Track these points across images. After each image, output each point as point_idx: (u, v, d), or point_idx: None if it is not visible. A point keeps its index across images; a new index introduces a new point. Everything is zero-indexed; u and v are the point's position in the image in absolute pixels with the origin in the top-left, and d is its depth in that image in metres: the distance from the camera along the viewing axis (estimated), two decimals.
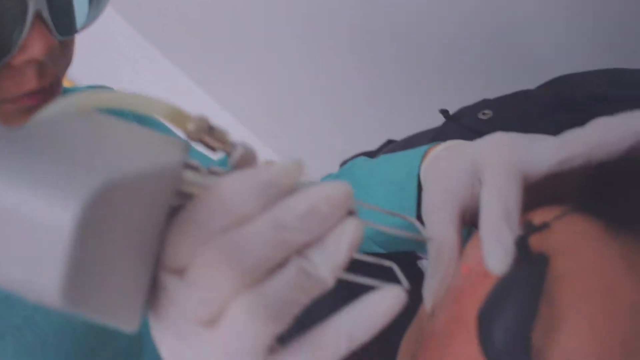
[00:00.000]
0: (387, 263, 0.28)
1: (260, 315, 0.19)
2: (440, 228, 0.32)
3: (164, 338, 0.22)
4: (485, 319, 0.24)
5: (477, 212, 0.34)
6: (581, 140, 0.28)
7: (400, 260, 0.47)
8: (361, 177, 0.46)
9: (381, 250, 0.45)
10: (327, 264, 0.20)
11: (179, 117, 0.21)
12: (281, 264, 0.20)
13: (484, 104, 0.50)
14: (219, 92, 1.36)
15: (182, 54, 1.32)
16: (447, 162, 0.35)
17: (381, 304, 0.21)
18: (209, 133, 0.22)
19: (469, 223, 0.34)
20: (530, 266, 0.24)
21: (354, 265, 0.40)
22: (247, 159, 0.22)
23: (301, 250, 0.21)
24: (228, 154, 0.22)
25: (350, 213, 0.22)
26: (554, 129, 0.42)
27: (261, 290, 0.20)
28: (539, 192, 0.31)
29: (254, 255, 0.20)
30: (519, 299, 0.23)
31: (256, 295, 0.20)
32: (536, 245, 0.25)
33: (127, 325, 0.21)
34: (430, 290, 0.31)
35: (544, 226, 0.25)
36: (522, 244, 0.24)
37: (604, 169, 0.28)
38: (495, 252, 0.25)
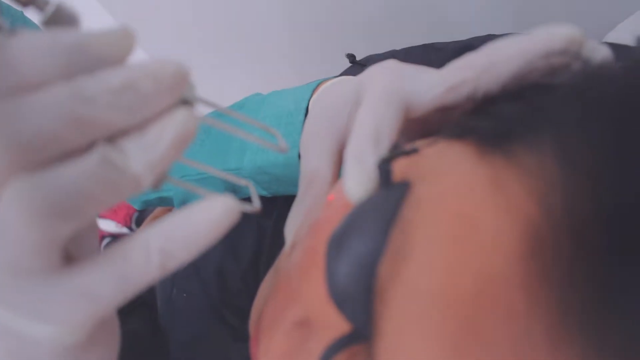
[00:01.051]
0: (243, 182, 0.25)
1: (39, 207, 0.15)
2: (313, 159, 0.29)
3: None
4: (332, 253, 0.21)
5: None
6: (468, 64, 0.26)
7: (284, 203, 0.44)
8: (249, 111, 0.43)
9: (264, 193, 0.42)
10: (142, 157, 0.17)
11: None
12: (85, 151, 0.16)
13: (392, 53, 0.48)
14: None
15: None
16: (331, 93, 0.32)
17: (203, 213, 0.18)
18: None
19: None
20: (387, 193, 0.21)
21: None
22: (63, 20, 0.18)
23: (113, 138, 0.17)
24: (40, 11, 0.18)
25: (185, 103, 0.18)
26: None
27: (46, 176, 0.16)
28: (427, 129, 0.29)
29: (37, 129, 0.15)
30: (368, 229, 0.20)
31: (36, 182, 0.15)
32: (403, 173, 0.23)
33: None
34: (291, 225, 0.28)
35: (412, 151, 0.22)
36: (383, 168, 0.21)
37: (489, 99, 0.26)
38: (354, 174, 0.23)
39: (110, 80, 0.16)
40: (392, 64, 0.29)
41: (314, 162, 0.29)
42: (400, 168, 0.23)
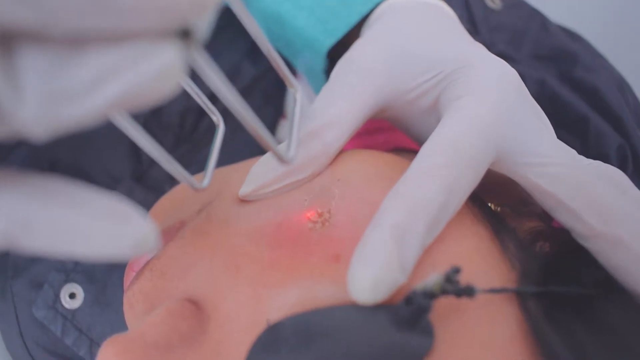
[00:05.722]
0: (215, 118, 0.19)
1: None
2: (344, 100, 0.22)
3: None
4: (280, 337, 0.16)
5: (407, 123, 0.25)
6: (609, 210, 0.19)
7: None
8: None
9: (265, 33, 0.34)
10: (47, 100, 0.10)
11: None
12: None
13: None
14: None
15: None
16: (420, 39, 0.24)
17: (99, 232, 0.12)
18: None
19: (381, 117, 0.25)
20: (403, 338, 0.15)
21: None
22: None
23: (14, 39, 0.10)
24: None
25: (186, 35, 0.11)
26: (533, 80, 0.33)
27: None
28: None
29: None
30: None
31: None
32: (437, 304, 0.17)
33: None
34: (264, 168, 0.22)
35: (468, 293, 0.15)
36: (421, 302, 0.15)
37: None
38: (379, 258, 0.16)
39: None
40: (512, 81, 0.21)
41: (342, 106, 0.22)
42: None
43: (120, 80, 0.10)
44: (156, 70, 0.10)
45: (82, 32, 0.10)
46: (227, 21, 0.38)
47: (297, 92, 0.21)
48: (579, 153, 0.22)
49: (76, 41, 0.10)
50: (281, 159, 0.18)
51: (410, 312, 0.15)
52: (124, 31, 0.10)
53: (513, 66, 0.23)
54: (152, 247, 0.12)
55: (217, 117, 0.21)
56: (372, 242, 0.17)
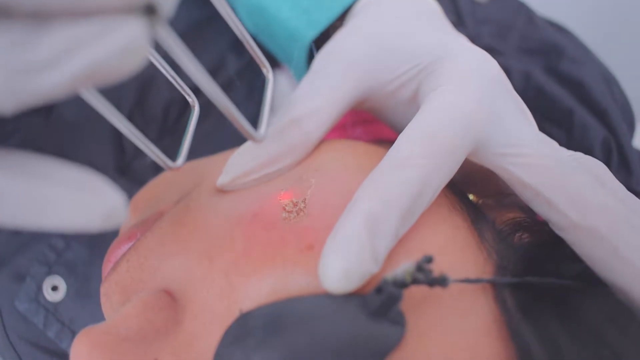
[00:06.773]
0: (190, 100, 0.19)
1: None
2: (321, 94, 0.22)
3: None
4: (259, 335, 0.16)
5: (387, 110, 0.25)
6: (594, 206, 0.18)
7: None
8: None
9: (248, 26, 0.34)
10: (10, 74, 0.10)
11: None
12: None
13: None
14: None
15: None
16: (401, 31, 0.24)
17: (67, 207, 0.12)
18: None
19: (362, 108, 0.25)
20: (373, 327, 0.15)
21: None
22: None
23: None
24: None
25: (151, 11, 0.11)
26: (519, 73, 0.33)
27: None
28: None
29: None
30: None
31: None
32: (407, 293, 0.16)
33: None
34: (241, 161, 0.21)
35: (441, 283, 0.15)
36: (392, 292, 0.15)
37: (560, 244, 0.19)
38: (352, 249, 0.16)
39: None
40: (492, 72, 0.21)
41: (322, 97, 0.22)
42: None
43: (85, 55, 0.10)
44: (120, 45, 0.10)
45: (45, 8, 0.10)
46: (211, 14, 0.38)
47: (269, 72, 0.21)
48: (564, 145, 0.22)
49: (40, 16, 0.10)
50: (251, 137, 0.18)
51: (380, 301, 0.15)
52: (87, 7, 0.10)
53: (499, 59, 0.23)
54: (122, 219, 0.12)
55: (192, 99, 0.21)
56: (344, 231, 0.17)
